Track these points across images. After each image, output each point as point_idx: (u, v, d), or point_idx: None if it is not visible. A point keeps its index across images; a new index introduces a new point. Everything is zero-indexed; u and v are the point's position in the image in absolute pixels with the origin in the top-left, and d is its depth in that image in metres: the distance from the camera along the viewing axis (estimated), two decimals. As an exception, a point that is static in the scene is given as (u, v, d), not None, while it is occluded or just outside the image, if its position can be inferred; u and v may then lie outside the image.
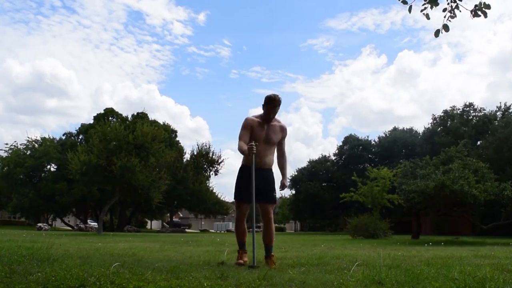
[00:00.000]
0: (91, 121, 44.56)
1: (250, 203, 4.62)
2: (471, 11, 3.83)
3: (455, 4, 3.91)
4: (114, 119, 41.29)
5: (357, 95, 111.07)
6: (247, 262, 4.60)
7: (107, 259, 4.76)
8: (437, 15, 4.06)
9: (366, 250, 8.05)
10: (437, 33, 4.00)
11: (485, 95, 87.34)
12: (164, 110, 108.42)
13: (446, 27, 3.95)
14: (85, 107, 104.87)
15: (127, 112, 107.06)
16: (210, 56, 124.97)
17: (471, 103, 40.84)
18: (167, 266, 4.03)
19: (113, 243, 10.26)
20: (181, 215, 69.88)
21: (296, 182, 52.73)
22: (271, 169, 4.79)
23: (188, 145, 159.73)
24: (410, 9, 3.99)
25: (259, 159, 4.64)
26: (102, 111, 44.75)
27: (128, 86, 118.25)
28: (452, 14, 3.92)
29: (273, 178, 4.78)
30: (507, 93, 78.19)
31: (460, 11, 3.93)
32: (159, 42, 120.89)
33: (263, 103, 4.70)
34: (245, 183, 4.63)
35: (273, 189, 4.73)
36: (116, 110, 45.71)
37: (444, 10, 3.97)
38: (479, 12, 3.77)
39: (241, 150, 4.58)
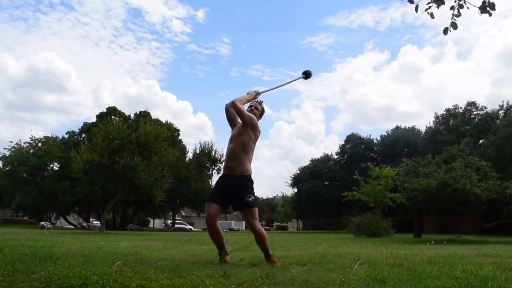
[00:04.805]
0: (93, 119, 44.68)
1: (219, 204, 4.54)
2: (479, 7, 3.80)
3: (462, 1, 3.88)
4: (116, 118, 41.39)
5: (359, 91, 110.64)
6: (229, 260, 4.57)
7: (110, 257, 4.75)
8: (440, 12, 4.04)
9: (369, 249, 8.04)
10: (445, 31, 3.96)
11: (490, 91, 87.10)
12: (165, 107, 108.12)
13: (454, 25, 3.91)
14: (86, 104, 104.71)
15: (129, 109, 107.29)
16: (210, 54, 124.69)
17: (473, 102, 40.87)
18: (170, 264, 4.02)
19: (115, 242, 10.27)
20: (183, 214, 69.93)
21: (298, 180, 52.72)
22: (245, 175, 4.58)
23: (191, 143, 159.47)
24: (416, 9, 3.95)
25: (231, 163, 4.58)
26: (105, 110, 44.85)
27: (128, 82, 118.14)
28: (457, 13, 3.90)
29: (248, 182, 4.57)
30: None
31: (468, 7, 3.89)
32: (159, 39, 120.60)
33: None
34: (218, 187, 4.65)
35: (245, 194, 4.49)
36: (119, 109, 45.84)
37: (452, 8, 3.94)
38: (488, 8, 3.75)
39: (242, 97, 4.67)
